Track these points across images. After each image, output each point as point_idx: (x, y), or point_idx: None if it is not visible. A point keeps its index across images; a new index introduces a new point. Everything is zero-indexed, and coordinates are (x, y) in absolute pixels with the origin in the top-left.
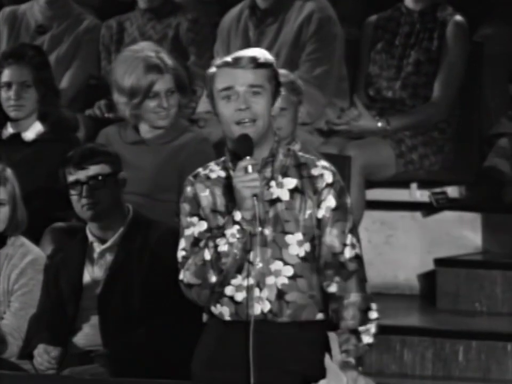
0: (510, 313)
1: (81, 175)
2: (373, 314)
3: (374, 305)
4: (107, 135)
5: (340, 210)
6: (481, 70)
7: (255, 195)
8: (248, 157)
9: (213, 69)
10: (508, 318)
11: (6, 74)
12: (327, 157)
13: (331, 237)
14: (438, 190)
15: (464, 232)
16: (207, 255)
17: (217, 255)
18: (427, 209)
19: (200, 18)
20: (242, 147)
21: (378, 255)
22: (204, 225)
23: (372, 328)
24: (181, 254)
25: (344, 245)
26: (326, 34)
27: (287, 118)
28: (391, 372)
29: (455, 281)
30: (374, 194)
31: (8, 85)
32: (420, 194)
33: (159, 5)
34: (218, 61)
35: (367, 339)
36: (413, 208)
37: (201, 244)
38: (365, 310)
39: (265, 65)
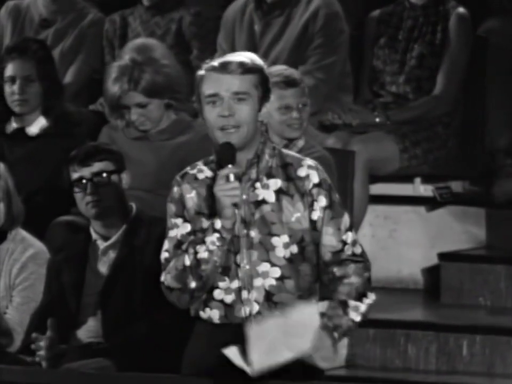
0: None
1: (86, 172)
2: (368, 300)
3: (372, 295)
4: (110, 131)
5: (333, 207)
6: (485, 64)
7: (235, 204)
8: (230, 165)
9: (201, 72)
10: (511, 312)
11: (10, 69)
12: (331, 151)
13: (327, 236)
14: (441, 184)
15: (467, 227)
16: (187, 260)
17: (197, 262)
18: (431, 203)
19: (202, 12)
20: (225, 155)
21: (382, 250)
22: (187, 227)
23: (362, 306)
24: (164, 255)
25: (344, 243)
26: (333, 30)
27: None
28: (395, 366)
29: (459, 275)
30: (378, 188)
31: (12, 80)
32: (423, 189)
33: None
34: (206, 65)
35: (354, 315)
36: (417, 202)
37: (183, 246)
38: (361, 293)
39: (253, 70)
